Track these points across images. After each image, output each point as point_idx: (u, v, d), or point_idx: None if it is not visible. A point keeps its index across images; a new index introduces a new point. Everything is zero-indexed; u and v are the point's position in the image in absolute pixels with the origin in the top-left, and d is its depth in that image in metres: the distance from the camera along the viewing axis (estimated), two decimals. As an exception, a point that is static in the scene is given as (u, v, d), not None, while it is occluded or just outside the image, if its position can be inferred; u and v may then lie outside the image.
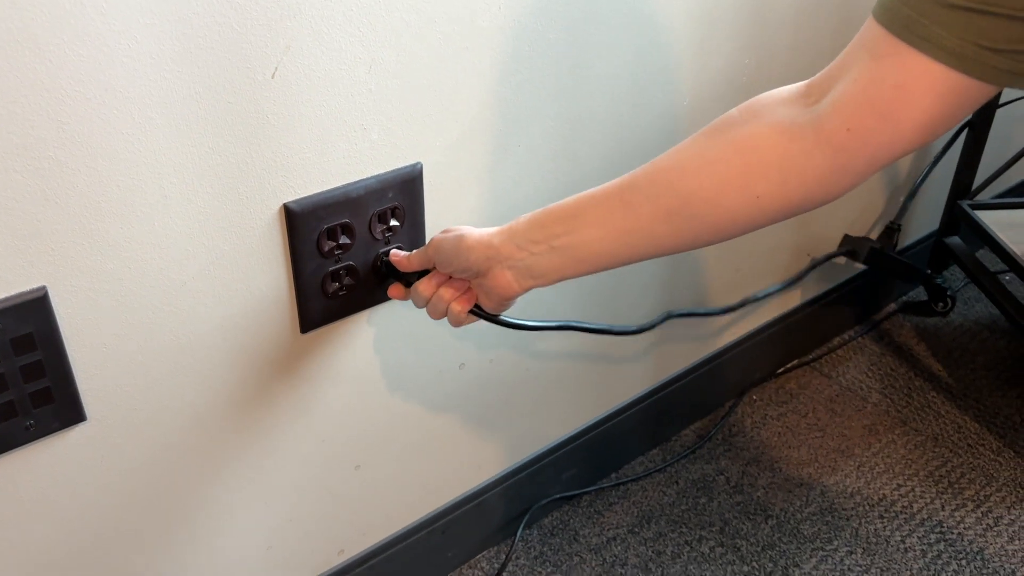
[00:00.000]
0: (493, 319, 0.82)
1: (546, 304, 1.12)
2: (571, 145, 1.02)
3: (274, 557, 1.01)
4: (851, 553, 1.28)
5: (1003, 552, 1.28)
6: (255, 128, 0.77)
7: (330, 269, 0.87)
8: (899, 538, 1.30)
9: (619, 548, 1.28)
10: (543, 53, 0.94)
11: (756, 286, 1.43)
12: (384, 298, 0.93)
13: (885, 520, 1.33)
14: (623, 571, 1.25)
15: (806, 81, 0.63)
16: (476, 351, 1.08)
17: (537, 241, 0.71)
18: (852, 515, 1.33)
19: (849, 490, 1.37)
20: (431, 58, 0.85)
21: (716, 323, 1.42)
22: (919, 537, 1.30)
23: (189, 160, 0.74)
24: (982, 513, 1.34)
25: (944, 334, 1.69)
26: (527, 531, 1.30)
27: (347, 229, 0.86)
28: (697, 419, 1.50)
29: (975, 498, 1.36)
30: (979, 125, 1.52)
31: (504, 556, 1.26)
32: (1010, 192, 1.89)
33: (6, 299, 0.70)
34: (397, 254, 0.86)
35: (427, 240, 0.94)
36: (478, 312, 0.81)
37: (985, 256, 1.77)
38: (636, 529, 1.31)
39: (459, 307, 0.79)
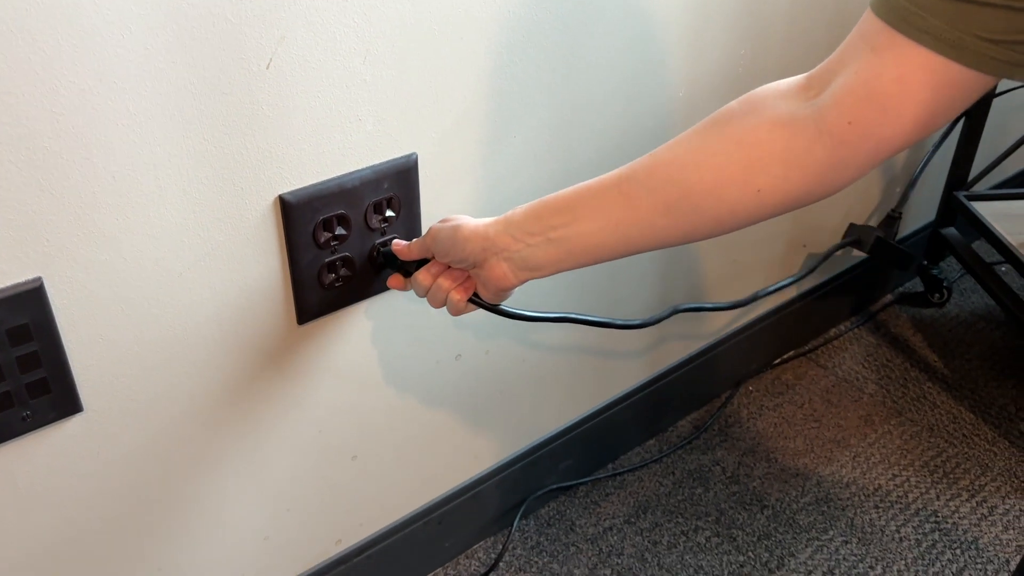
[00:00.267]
0: (492, 308, 0.82)
1: (542, 294, 1.13)
2: (566, 135, 1.03)
3: (271, 547, 1.02)
4: (846, 543, 1.28)
5: (997, 541, 1.29)
6: (250, 119, 0.77)
7: (326, 260, 0.87)
8: (894, 528, 1.31)
9: (615, 538, 1.29)
10: (538, 43, 0.94)
11: (753, 277, 1.44)
12: (381, 289, 0.94)
13: (880, 510, 1.33)
14: (619, 561, 1.26)
15: (805, 74, 0.62)
16: (473, 342, 1.09)
17: (533, 233, 0.71)
18: (848, 505, 1.34)
19: (845, 480, 1.38)
20: (426, 48, 0.85)
21: (713, 315, 1.42)
22: (914, 527, 1.31)
23: (184, 151, 0.74)
24: (977, 503, 1.35)
25: (940, 325, 1.69)
26: (524, 521, 1.30)
27: (343, 220, 0.86)
28: (693, 410, 1.50)
29: (970, 488, 1.37)
30: (975, 115, 1.53)
31: (501, 546, 1.27)
32: (1006, 183, 1.90)
33: (2, 290, 0.70)
34: (398, 243, 0.85)
35: (423, 230, 0.94)
36: (477, 301, 0.81)
37: (981, 247, 1.77)
38: (632, 519, 1.31)
39: (458, 296, 0.79)
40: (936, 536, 1.29)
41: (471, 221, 0.76)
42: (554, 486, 1.32)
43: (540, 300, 1.13)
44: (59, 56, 0.65)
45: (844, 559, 1.26)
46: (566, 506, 1.33)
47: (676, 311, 0.98)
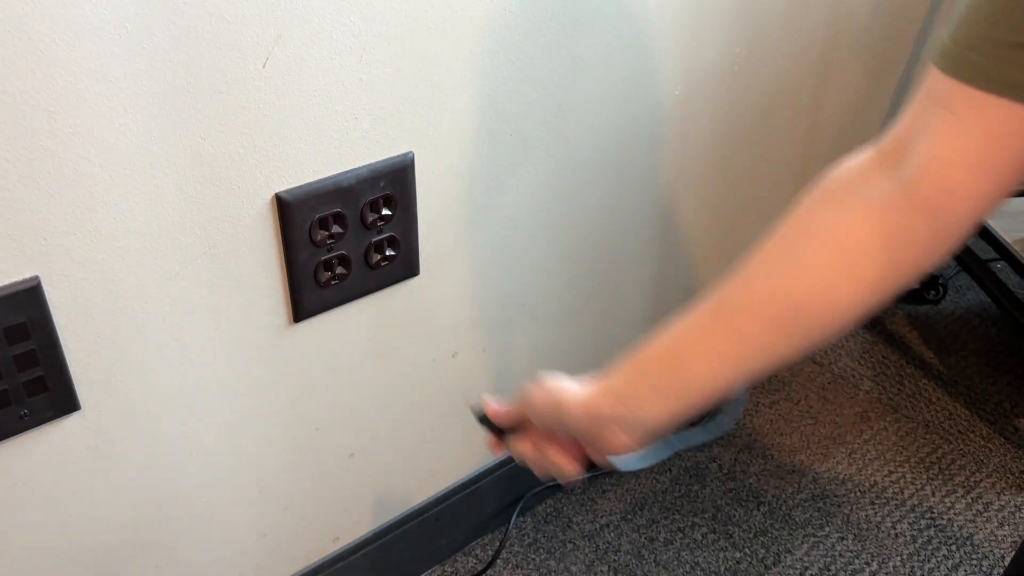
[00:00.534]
0: (609, 470, 0.76)
1: (538, 300, 1.13)
2: (562, 134, 1.03)
3: (269, 544, 1.02)
4: (842, 539, 1.29)
5: (993, 537, 1.29)
6: (247, 118, 0.77)
7: (322, 258, 0.87)
8: (890, 524, 1.31)
9: (612, 535, 1.29)
10: (534, 42, 0.94)
11: (748, 275, 1.44)
12: (377, 287, 0.94)
13: (876, 506, 1.34)
14: (616, 558, 1.26)
15: (873, 146, 0.59)
16: (469, 340, 1.09)
17: (643, 394, 0.65)
18: (843, 501, 1.34)
19: (841, 477, 1.38)
20: (422, 47, 0.85)
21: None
22: (910, 523, 1.31)
23: (181, 150, 0.75)
24: (972, 499, 1.35)
25: (935, 322, 1.69)
26: (521, 519, 1.31)
27: (339, 218, 0.86)
28: (690, 407, 1.50)
29: (965, 484, 1.37)
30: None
31: (498, 543, 1.27)
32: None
33: (-1, 288, 0.70)
34: (491, 406, 0.77)
35: (420, 230, 0.95)
36: (592, 469, 0.75)
37: (976, 244, 1.77)
38: (629, 516, 1.32)
39: (572, 468, 0.72)
40: (931, 532, 1.30)
41: (571, 392, 0.68)
42: (551, 483, 1.33)
43: (536, 296, 1.13)
44: (56, 55, 0.65)
45: (840, 555, 1.27)
46: (563, 503, 1.34)
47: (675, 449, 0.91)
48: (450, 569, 1.24)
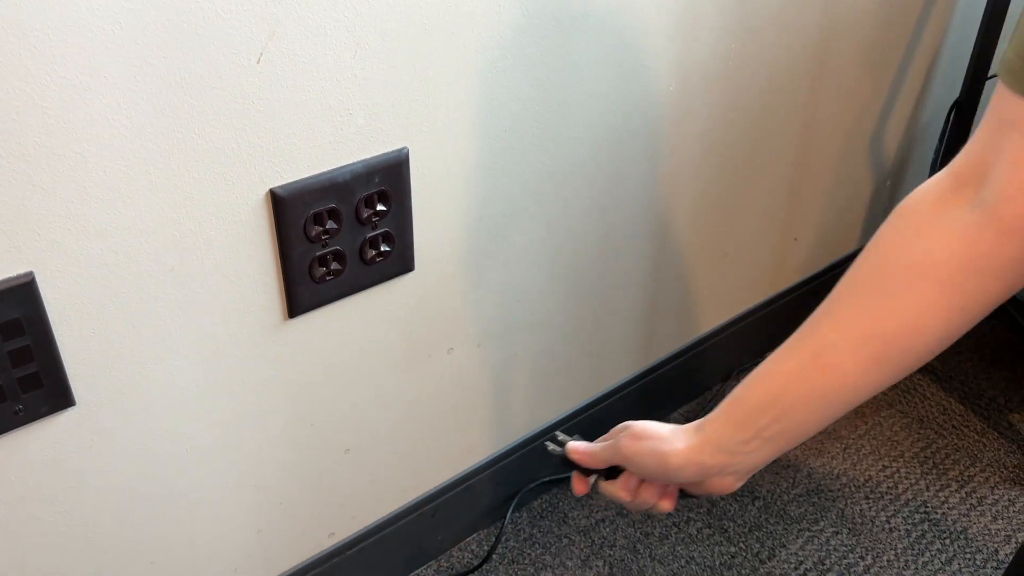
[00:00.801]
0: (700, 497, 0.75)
1: (533, 296, 1.13)
2: (557, 130, 1.03)
3: (264, 540, 1.02)
4: (837, 533, 1.29)
5: (986, 531, 1.30)
6: (241, 113, 0.77)
7: (317, 254, 0.87)
8: (884, 518, 1.32)
9: (608, 530, 1.29)
10: (529, 38, 0.94)
11: (743, 270, 1.44)
12: (372, 283, 0.94)
13: (871, 501, 1.34)
14: (612, 552, 1.26)
15: (946, 172, 0.59)
16: (465, 336, 1.09)
17: (748, 441, 0.65)
18: (838, 496, 1.35)
19: (835, 471, 1.39)
20: (416, 43, 0.85)
21: (704, 307, 1.43)
22: (904, 517, 1.32)
23: (175, 145, 0.75)
24: (966, 493, 1.36)
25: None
26: (517, 514, 1.31)
27: (334, 214, 0.86)
28: (685, 402, 1.51)
29: (959, 478, 1.38)
30: (966, 105, 1.53)
31: (494, 538, 1.27)
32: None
33: (-7, 284, 0.70)
34: (578, 450, 0.76)
35: (415, 226, 0.95)
36: (684, 496, 0.76)
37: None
38: (624, 511, 1.32)
39: (669, 505, 0.74)
40: (926, 526, 1.30)
41: (673, 446, 0.67)
42: (547, 479, 1.33)
43: (531, 292, 1.13)
44: (49, 51, 0.65)
45: (835, 549, 1.27)
46: (559, 499, 1.34)
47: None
48: (446, 564, 1.24)
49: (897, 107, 1.52)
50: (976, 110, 1.54)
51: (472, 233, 1.02)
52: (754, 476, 1.37)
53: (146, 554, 0.92)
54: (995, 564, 1.25)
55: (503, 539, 1.28)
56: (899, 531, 1.30)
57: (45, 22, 0.64)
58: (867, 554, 1.26)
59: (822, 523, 1.31)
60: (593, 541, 1.28)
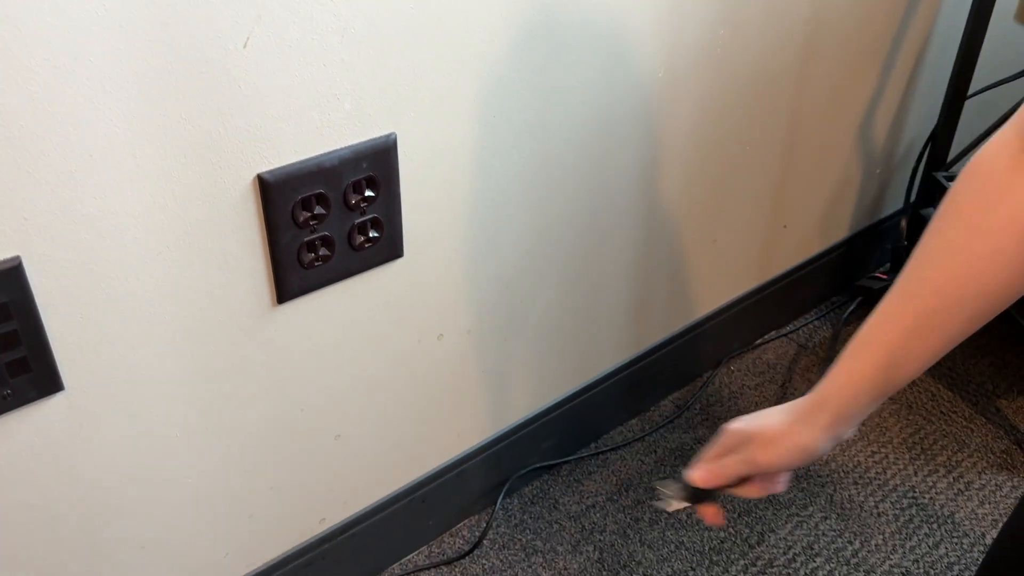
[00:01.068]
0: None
1: (523, 281, 1.13)
2: (545, 115, 1.03)
3: (255, 525, 1.03)
4: (826, 518, 1.30)
5: (973, 516, 1.31)
6: (228, 98, 0.77)
7: (305, 240, 0.87)
8: (873, 503, 1.32)
9: (598, 515, 1.30)
10: (516, 24, 0.94)
11: (733, 257, 1.45)
12: (361, 269, 0.94)
13: (859, 486, 1.35)
14: (602, 538, 1.27)
15: (1013, 133, 0.61)
16: (454, 322, 1.09)
17: (869, 404, 0.69)
18: (827, 481, 1.36)
19: (824, 457, 1.40)
20: (403, 28, 0.85)
21: (694, 296, 1.43)
22: (892, 502, 1.33)
23: (162, 130, 0.75)
24: (954, 478, 1.37)
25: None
26: (507, 500, 1.32)
27: (322, 199, 0.86)
28: (675, 389, 1.51)
29: (947, 464, 1.39)
30: (954, 97, 1.54)
31: (485, 524, 1.28)
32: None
33: (-20, 269, 0.70)
34: (701, 476, 0.75)
35: (403, 211, 0.95)
36: None
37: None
38: (615, 497, 1.33)
39: (786, 484, 0.76)
40: (913, 511, 1.31)
41: (806, 434, 0.69)
42: (537, 465, 1.34)
43: (521, 277, 1.14)
44: (34, 35, 0.65)
45: (823, 534, 1.28)
46: (550, 485, 1.35)
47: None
48: (437, 550, 1.25)
49: (886, 95, 1.52)
50: (964, 102, 1.54)
51: (461, 219, 1.02)
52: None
53: (136, 539, 0.92)
54: (982, 548, 1.26)
55: (494, 525, 1.28)
56: (887, 516, 1.31)
57: (29, 4, 0.64)
58: (855, 538, 1.27)
59: (811, 508, 1.32)
60: (583, 527, 1.29)
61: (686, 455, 1.40)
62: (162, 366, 0.85)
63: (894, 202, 1.75)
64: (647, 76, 1.12)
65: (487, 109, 0.97)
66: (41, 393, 0.78)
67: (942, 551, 1.26)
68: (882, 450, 1.41)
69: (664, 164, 1.22)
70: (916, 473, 1.37)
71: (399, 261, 0.98)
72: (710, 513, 0.77)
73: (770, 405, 1.47)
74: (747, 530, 1.28)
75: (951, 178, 1.60)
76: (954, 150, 1.64)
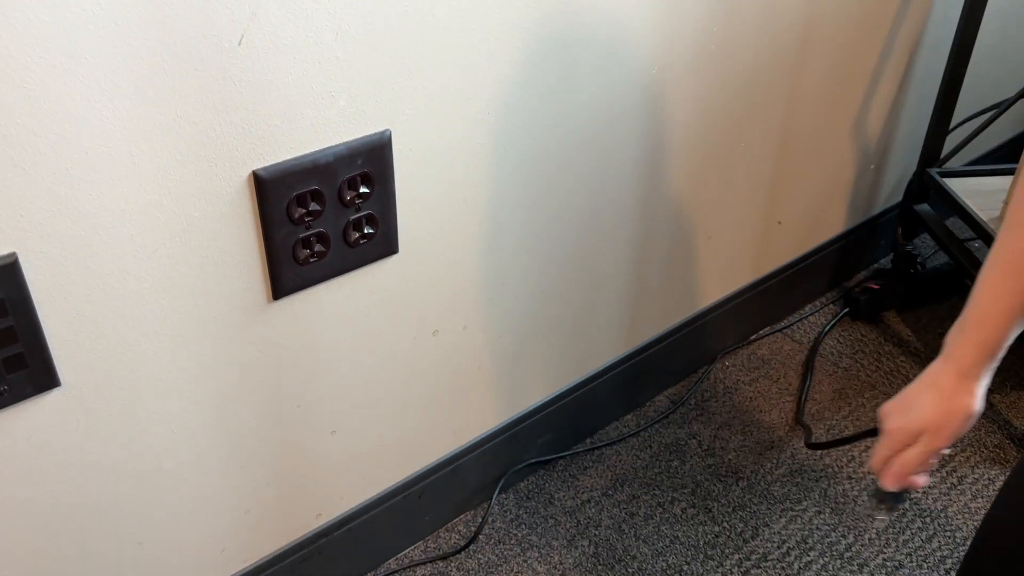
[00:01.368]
0: None
1: (518, 278, 1.14)
2: (540, 112, 1.03)
3: (252, 520, 1.03)
4: (819, 513, 1.31)
5: (966, 510, 1.32)
6: (223, 95, 0.77)
7: (300, 236, 0.88)
8: (866, 497, 1.33)
9: (593, 510, 1.31)
10: (511, 21, 0.94)
11: (728, 253, 1.46)
12: (356, 265, 0.95)
13: (853, 481, 1.36)
14: (597, 532, 1.28)
15: None
16: (450, 318, 1.10)
17: (998, 358, 0.73)
18: (821, 476, 1.37)
19: (818, 452, 1.40)
20: (398, 25, 0.86)
21: (689, 290, 1.44)
22: (885, 496, 1.34)
23: (158, 127, 0.75)
24: (946, 472, 1.37)
25: (913, 300, 1.71)
26: (503, 495, 1.32)
27: (317, 196, 0.87)
28: (670, 385, 1.52)
29: (940, 459, 1.40)
30: (947, 93, 1.54)
31: (481, 519, 1.29)
32: (979, 160, 1.92)
33: (-23, 265, 0.71)
34: (899, 481, 0.79)
35: (399, 208, 0.95)
36: None
37: (954, 224, 1.79)
38: (610, 492, 1.34)
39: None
40: (906, 505, 1.32)
41: (967, 398, 0.73)
42: (533, 460, 1.34)
43: (516, 273, 1.14)
44: (29, 32, 0.65)
45: (817, 528, 1.29)
46: (545, 480, 1.35)
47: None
48: (433, 545, 1.26)
49: (880, 91, 1.53)
50: (957, 98, 1.55)
51: (456, 216, 1.02)
52: (738, 456, 1.39)
53: (133, 535, 0.93)
54: (974, 542, 1.27)
55: (489, 520, 1.29)
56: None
57: (26, 3, 0.64)
58: (848, 532, 1.28)
59: (805, 503, 1.32)
60: (579, 521, 1.29)
61: (681, 449, 1.40)
62: (158, 362, 0.85)
63: (888, 198, 1.75)
64: (642, 73, 1.12)
65: (482, 106, 0.97)
66: (38, 389, 0.78)
67: (935, 545, 1.27)
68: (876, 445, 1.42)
69: (659, 161, 1.23)
70: (909, 468, 1.38)
71: (394, 257, 0.99)
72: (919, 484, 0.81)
73: (764, 400, 1.48)
74: (741, 524, 1.29)
75: (945, 174, 1.61)
76: (947, 147, 1.64)
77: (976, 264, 1.52)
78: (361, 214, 0.91)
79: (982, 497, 1.33)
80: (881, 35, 1.45)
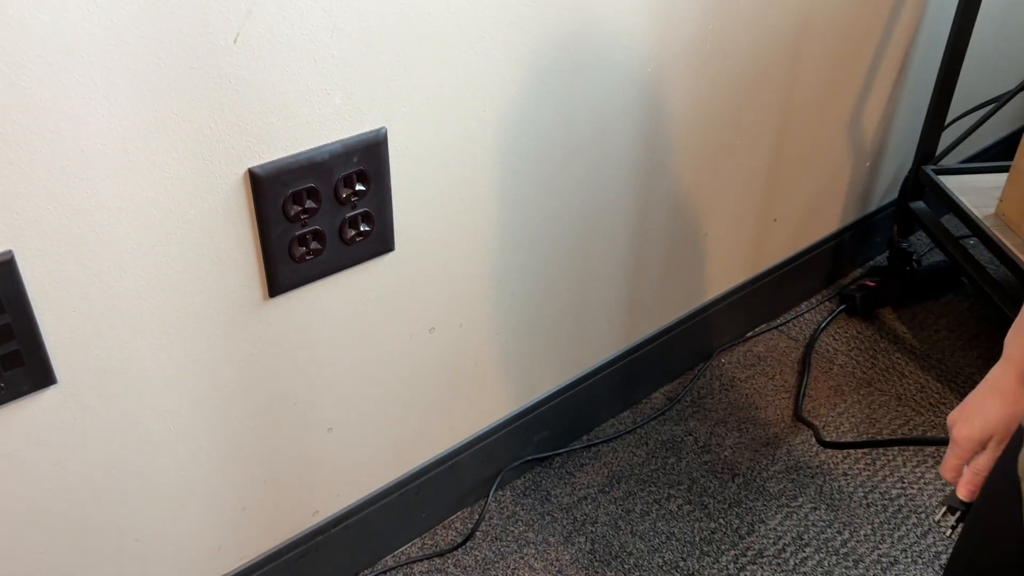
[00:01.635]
0: None
1: (514, 275, 1.14)
2: (536, 111, 1.04)
3: (249, 518, 1.03)
4: (815, 509, 1.31)
5: (961, 506, 1.32)
6: (219, 93, 0.77)
7: (296, 233, 0.88)
8: (862, 494, 1.34)
9: (590, 507, 1.31)
10: (506, 19, 0.95)
11: (723, 250, 1.46)
12: (352, 262, 0.95)
13: (849, 477, 1.36)
14: (594, 529, 1.28)
15: None
16: (446, 316, 1.10)
17: None
18: (817, 473, 1.37)
19: (814, 449, 1.41)
20: (394, 23, 0.86)
21: (685, 288, 1.44)
22: (881, 493, 1.34)
23: (154, 125, 0.75)
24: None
25: (909, 297, 1.72)
26: (500, 492, 1.33)
27: (313, 193, 0.87)
28: (667, 382, 1.52)
29: (936, 455, 1.40)
30: (942, 90, 1.55)
31: (477, 516, 1.29)
32: (974, 157, 1.92)
33: (-27, 263, 0.71)
34: (972, 491, 0.77)
35: (394, 206, 0.95)
36: None
37: (949, 221, 1.80)
38: (606, 489, 1.34)
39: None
40: (902, 501, 1.33)
41: (1021, 418, 0.74)
42: (530, 457, 1.35)
43: (512, 271, 1.14)
44: (24, 30, 0.65)
45: (813, 524, 1.29)
46: (542, 477, 1.35)
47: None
48: (430, 542, 1.26)
49: (875, 88, 1.53)
50: (952, 96, 1.55)
51: (453, 213, 1.03)
52: (734, 453, 1.40)
53: (130, 532, 0.93)
54: (969, 537, 1.27)
55: (486, 517, 1.29)
56: (876, 506, 1.32)
57: (22, 1, 0.64)
58: (844, 528, 1.29)
59: (801, 499, 1.33)
60: (575, 518, 1.30)
61: (677, 446, 1.41)
62: (154, 359, 0.86)
63: (884, 195, 1.76)
64: (637, 71, 1.12)
65: (479, 104, 0.97)
66: (34, 386, 0.78)
67: (929, 541, 1.27)
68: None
69: (656, 159, 1.23)
70: (905, 464, 1.39)
71: (390, 255, 0.99)
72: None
73: (760, 397, 1.49)
74: (737, 521, 1.30)
75: (940, 171, 1.61)
76: (942, 144, 1.65)
77: (971, 261, 1.52)
78: (357, 212, 0.91)
79: (977, 493, 1.34)
80: (876, 33, 1.46)
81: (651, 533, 1.28)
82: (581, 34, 1.03)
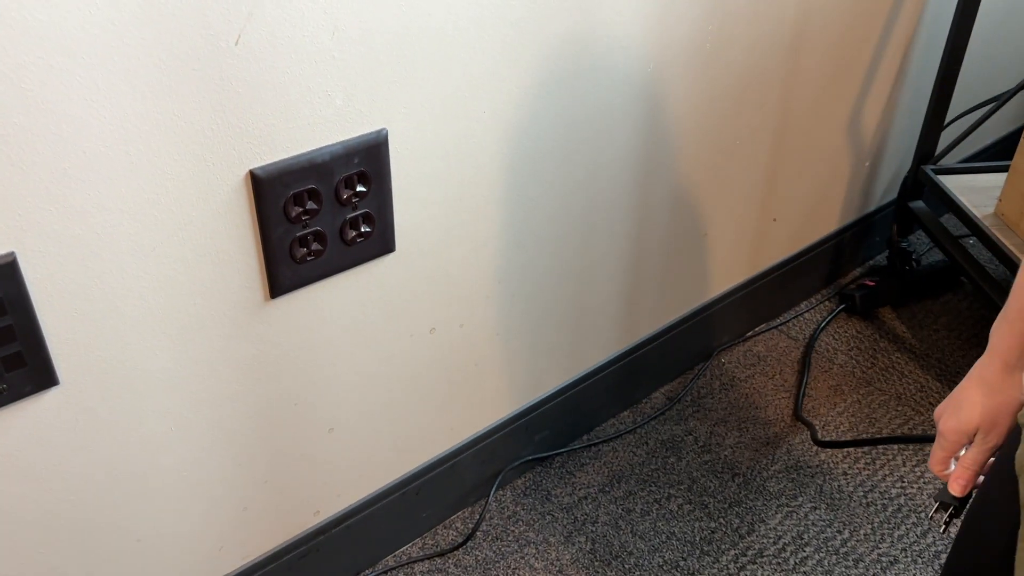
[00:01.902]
0: None
1: (514, 275, 1.14)
2: (535, 111, 1.04)
3: (250, 518, 1.04)
4: (815, 508, 1.32)
5: (961, 505, 1.32)
6: (220, 95, 0.78)
7: (297, 235, 0.88)
8: (862, 493, 1.34)
9: (590, 507, 1.31)
10: (506, 20, 0.95)
11: (723, 250, 1.46)
12: (353, 263, 0.95)
13: (848, 476, 1.37)
14: (594, 529, 1.28)
15: None
16: (447, 316, 1.10)
17: None
18: (817, 472, 1.37)
19: (814, 448, 1.41)
20: (394, 25, 0.86)
21: (685, 287, 1.45)
22: (881, 492, 1.34)
23: (155, 127, 0.75)
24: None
25: (908, 296, 1.72)
26: (500, 492, 1.33)
27: (314, 195, 0.87)
28: (667, 381, 1.53)
29: (935, 454, 1.40)
30: (942, 90, 1.55)
31: (478, 516, 1.29)
32: (974, 157, 1.93)
33: (-25, 264, 0.71)
34: (963, 485, 0.77)
35: (395, 207, 0.96)
36: None
37: (948, 220, 1.80)
38: (607, 488, 1.34)
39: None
40: (902, 500, 1.33)
41: (1007, 409, 0.73)
42: (530, 457, 1.35)
43: (513, 271, 1.15)
44: (26, 31, 0.66)
45: (813, 524, 1.29)
46: (542, 476, 1.36)
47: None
48: (431, 541, 1.26)
49: (875, 88, 1.54)
50: (951, 96, 1.55)
51: (453, 214, 1.03)
52: (734, 453, 1.40)
53: (132, 532, 0.93)
54: (969, 537, 1.28)
55: (487, 516, 1.29)
56: (876, 506, 1.32)
57: (23, 2, 0.65)
58: (844, 528, 1.29)
59: (801, 498, 1.33)
60: (576, 518, 1.30)
61: (677, 446, 1.41)
62: (156, 360, 0.86)
63: (883, 195, 1.76)
64: (636, 71, 1.12)
65: (479, 105, 0.98)
66: (36, 387, 0.78)
67: (929, 540, 1.27)
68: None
69: (655, 159, 1.23)
70: (904, 463, 1.39)
71: (391, 256, 0.99)
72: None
73: (760, 396, 1.49)
74: (737, 520, 1.30)
75: (939, 171, 1.61)
76: (942, 143, 1.65)
77: (971, 260, 1.52)
78: (358, 213, 0.92)
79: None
80: (875, 33, 1.46)
81: (651, 533, 1.28)
82: (581, 35, 1.03)
